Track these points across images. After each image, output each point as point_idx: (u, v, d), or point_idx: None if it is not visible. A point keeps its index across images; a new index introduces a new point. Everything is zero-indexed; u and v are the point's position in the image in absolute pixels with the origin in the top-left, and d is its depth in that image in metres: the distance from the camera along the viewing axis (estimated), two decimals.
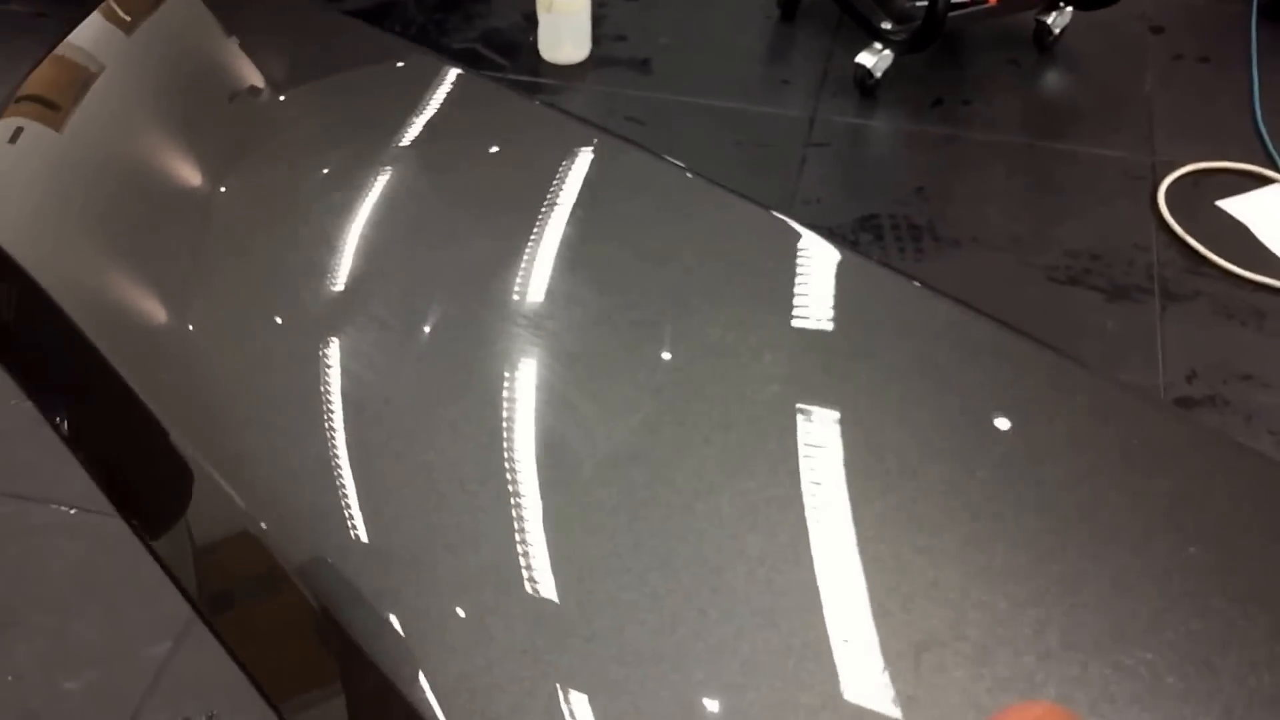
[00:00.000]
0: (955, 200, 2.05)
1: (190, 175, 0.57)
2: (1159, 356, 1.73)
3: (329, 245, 0.53)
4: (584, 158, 0.60)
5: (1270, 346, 1.74)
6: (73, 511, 1.50)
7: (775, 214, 0.57)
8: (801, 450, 0.42)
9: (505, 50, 2.39)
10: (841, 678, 0.34)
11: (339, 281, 0.51)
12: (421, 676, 0.36)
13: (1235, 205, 1.99)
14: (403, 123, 0.60)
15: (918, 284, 0.53)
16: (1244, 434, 1.56)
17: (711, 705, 0.34)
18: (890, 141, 2.22)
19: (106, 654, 1.36)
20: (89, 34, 0.65)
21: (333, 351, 0.47)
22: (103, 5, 0.66)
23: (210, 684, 1.33)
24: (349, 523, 0.41)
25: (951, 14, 2.14)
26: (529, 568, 0.38)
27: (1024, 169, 2.10)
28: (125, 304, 0.52)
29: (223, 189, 0.58)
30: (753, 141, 2.16)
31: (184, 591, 0.47)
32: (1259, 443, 1.57)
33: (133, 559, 0.49)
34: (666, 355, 0.48)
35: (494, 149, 0.61)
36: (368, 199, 0.55)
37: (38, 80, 0.62)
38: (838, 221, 1.97)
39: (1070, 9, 2.35)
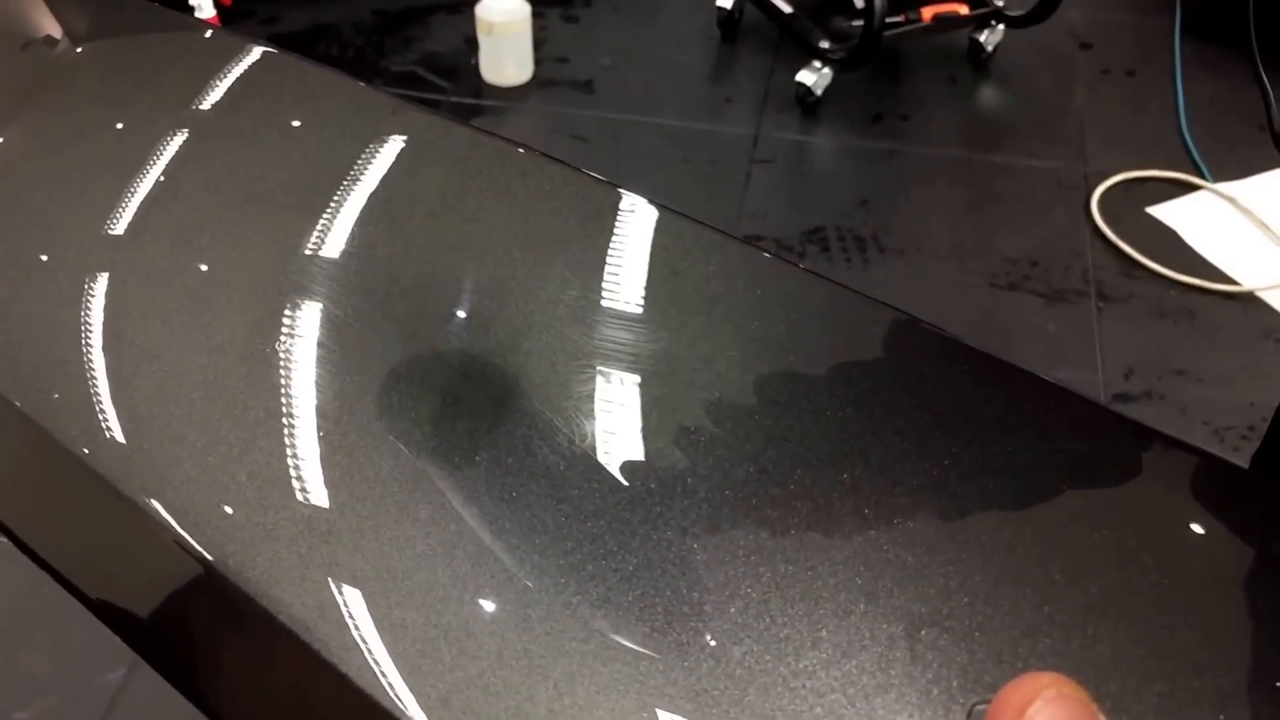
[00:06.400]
0: (898, 212, 2.09)
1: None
2: (1097, 355, 1.78)
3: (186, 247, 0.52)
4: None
5: (1201, 343, 1.80)
6: None
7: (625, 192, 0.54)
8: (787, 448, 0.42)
9: (446, 73, 2.40)
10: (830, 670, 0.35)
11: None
12: (406, 693, 0.35)
13: (1164, 211, 2.05)
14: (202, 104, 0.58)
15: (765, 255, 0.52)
16: (1179, 426, 1.60)
17: (721, 697, 0.35)
18: (833, 157, 2.27)
19: (58, 682, 1.33)
20: None
21: (241, 361, 0.46)
22: None
23: (166, 710, 1.30)
24: (303, 537, 0.40)
25: (887, 32, 2.19)
26: (511, 570, 0.38)
27: (963, 181, 2.15)
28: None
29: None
30: (698, 159, 2.19)
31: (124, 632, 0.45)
32: (1193, 433, 1.62)
33: None
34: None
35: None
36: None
37: None
38: (784, 235, 2.00)
39: (1002, 26, 2.42)
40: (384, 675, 0.36)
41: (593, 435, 0.43)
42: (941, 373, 0.46)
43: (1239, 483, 0.43)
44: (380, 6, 2.59)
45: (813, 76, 2.26)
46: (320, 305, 0.48)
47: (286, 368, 0.46)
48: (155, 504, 0.42)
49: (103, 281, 0.51)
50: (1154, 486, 0.42)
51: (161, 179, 0.56)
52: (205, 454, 0.43)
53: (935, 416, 0.44)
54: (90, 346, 0.48)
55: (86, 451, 0.44)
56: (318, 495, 0.41)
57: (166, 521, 0.41)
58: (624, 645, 0.36)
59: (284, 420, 0.44)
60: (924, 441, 0.43)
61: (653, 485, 0.41)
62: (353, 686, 0.36)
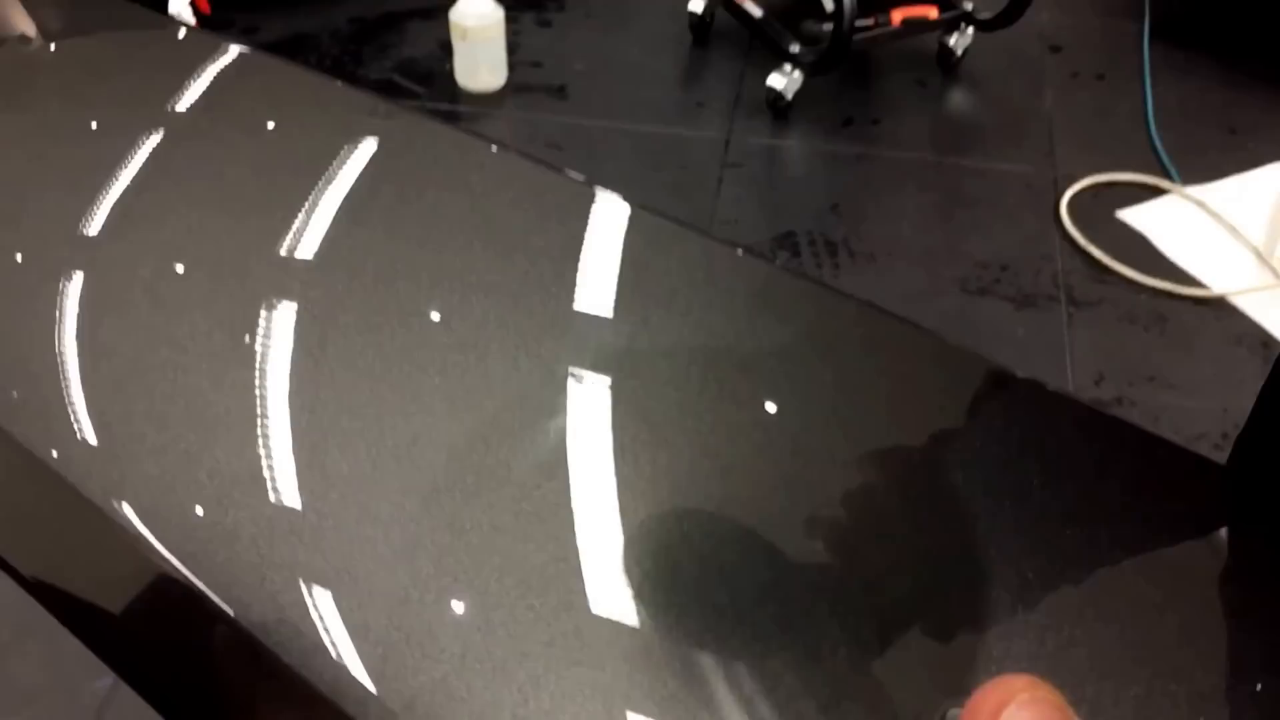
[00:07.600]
0: (869, 217, 2.09)
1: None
2: (1067, 361, 1.78)
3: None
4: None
5: (1172, 349, 1.81)
6: None
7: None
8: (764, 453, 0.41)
9: (422, 79, 2.39)
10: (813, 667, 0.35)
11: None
12: (371, 697, 0.34)
13: (1134, 215, 2.06)
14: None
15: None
16: None
17: (688, 700, 0.34)
18: (804, 161, 2.27)
19: (48, 690, 1.34)
20: None
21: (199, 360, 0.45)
22: None
23: (153, 717, 1.30)
24: (266, 539, 0.39)
25: (857, 36, 2.20)
26: (472, 573, 0.37)
27: (933, 185, 2.16)
28: None
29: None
30: (670, 164, 2.18)
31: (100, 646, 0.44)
32: None
33: None
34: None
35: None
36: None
37: None
38: (755, 240, 2.00)
39: (972, 30, 2.42)
40: (347, 679, 0.36)
41: (558, 435, 0.42)
42: (915, 369, 0.46)
43: (1218, 482, 0.43)
44: (357, 14, 2.58)
45: (783, 80, 2.26)
46: (285, 303, 0.48)
47: (249, 367, 0.45)
48: (114, 503, 0.41)
49: (68, 281, 0.50)
50: (1131, 485, 0.42)
51: (128, 177, 0.55)
52: (164, 453, 0.42)
53: (907, 413, 0.44)
54: (52, 346, 0.47)
55: (54, 455, 0.43)
56: (278, 495, 0.41)
57: (126, 521, 0.41)
58: (589, 649, 0.36)
59: (245, 420, 0.43)
60: (894, 439, 0.42)
61: (619, 487, 0.40)
62: (315, 692, 0.36)
